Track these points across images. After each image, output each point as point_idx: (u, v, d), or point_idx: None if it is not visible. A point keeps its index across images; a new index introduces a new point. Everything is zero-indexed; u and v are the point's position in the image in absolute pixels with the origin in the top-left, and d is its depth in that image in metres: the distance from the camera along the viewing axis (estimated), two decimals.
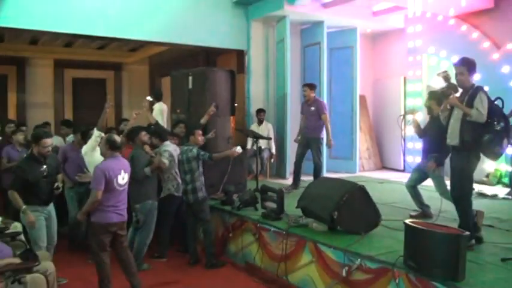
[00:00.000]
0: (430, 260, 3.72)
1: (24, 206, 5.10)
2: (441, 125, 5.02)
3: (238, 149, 6.25)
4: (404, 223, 4.02)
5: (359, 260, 4.39)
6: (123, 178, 5.02)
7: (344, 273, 4.49)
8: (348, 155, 9.90)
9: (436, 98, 5.79)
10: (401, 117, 6.22)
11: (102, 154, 5.20)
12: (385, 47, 10.93)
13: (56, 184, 5.43)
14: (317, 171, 7.83)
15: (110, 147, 5.04)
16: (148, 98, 7.86)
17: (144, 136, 6.21)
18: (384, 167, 10.74)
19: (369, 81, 10.97)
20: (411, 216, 5.74)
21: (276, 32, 9.84)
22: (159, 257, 6.45)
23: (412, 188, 6.03)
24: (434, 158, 5.58)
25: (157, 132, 6.60)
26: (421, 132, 6.00)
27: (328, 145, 7.89)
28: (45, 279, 4.42)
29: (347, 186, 5.17)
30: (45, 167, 5.27)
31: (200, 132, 6.29)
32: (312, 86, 8.03)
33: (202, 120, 7.22)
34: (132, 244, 6.06)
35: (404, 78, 10.15)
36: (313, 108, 7.81)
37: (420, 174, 5.97)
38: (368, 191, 5.17)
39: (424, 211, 5.93)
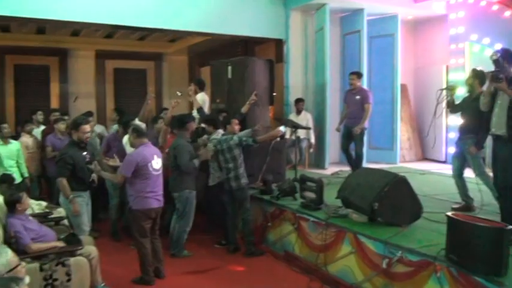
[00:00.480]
0: (472, 254, 3.65)
1: (71, 196, 5.27)
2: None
3: (282, 128, 6.31)
4: (447, 215, 3.95)
5: (400, 252, 4.34)
6: (157, 163, 5.18)
7: (384, 265, 4.45)
8: (389, 145, 9.75)
9: (479, 77, 5.56)
10: (441, 91, 5.92)
11: (131, 145, 5.34)
12: (426, 35, 10.66)
13: (91, 177, 5.63)
14: (358, 162, 7.74)
15: (137, 136, 5.21)
16: (178, 93, 7.92)
17: (193, 125, 6.35)
18: (425, 158, 10.51)
19: (410, 69, 10.74)
20: (453, 209, 5.59)
21: (315, 21, 9.75)
22: (225, 245, 6.51)
23: (459, 177, 5.84)
24: (474, 142, 5.41)
25: (212, 120, 6.68)
26: (455, 109, 5.84)
27: (356, 129, 7.61)
28: (88, 263, 4.58)
29: (388, 177, 5.10)
30: (85, 153, 5.46)
31: (236, 121, 6.36)
32: (359, 75, 7.99)
33: (243, 110, 7.25)
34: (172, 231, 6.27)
35: (447, 67, 9.86)
36: (358, 97, 7.72)
37: (460, 160, 5.80)
38: (409, 182, 5.09)
39: (467, 204, 5.77)
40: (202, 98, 8.66)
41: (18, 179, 6.96)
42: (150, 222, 5.28)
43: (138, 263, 5.29)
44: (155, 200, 5.21)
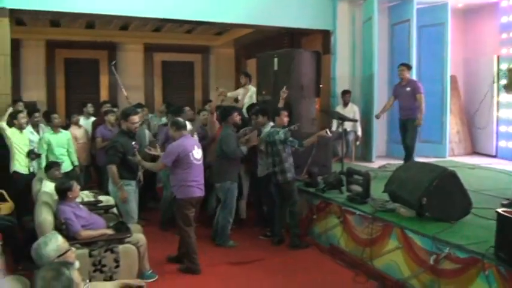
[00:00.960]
0: None
1: (121, 182, 5.47)
2: None
3: (328, 132, 6.27)
4: (497, 212, 3.79)
5: (448, 248, 4.22)
6: (197, 153, 5.33)
7: (432, 262, 4.34)
8: (438, 139, 9.48)
9: None
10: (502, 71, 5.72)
11: (172, 138, 5.46)
12: (477, 23, 10.25)
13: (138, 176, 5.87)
14: (408, 154, 7.60)
15: (177, 129, 5.35)
16: (221, 89, 8.06)
17: (236, 117, 6.43)
18: (474, 152, 10.17)
19: (459, 60, 10.37)
20: (503, 205, 5.36)
21: (362, 11, 9.58)
22: (270, 237, 6.55)
23: None
24: None
25: (264, 110, 6.72)
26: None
27: (417, 124, 7.57)
28: (137, 250, 4.68)
29: (437, 171, 4.94)
30: (134, 142, 5.61)
31: (286, 113, 6.34)
32: (409, 66, 7.88)
33: (279, 105, 7.24)
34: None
35: (497, 57, 9.46)
36: (408, 88, 7.58)
37: None
38: (458, 176, 4.93)
39: None
40: (254, 90, 8.69)
41: (68, 168, 7.21)
42: (193, 211, 5.40)
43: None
44: (198, 189, 5.36)
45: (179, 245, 5.58)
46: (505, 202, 5.52)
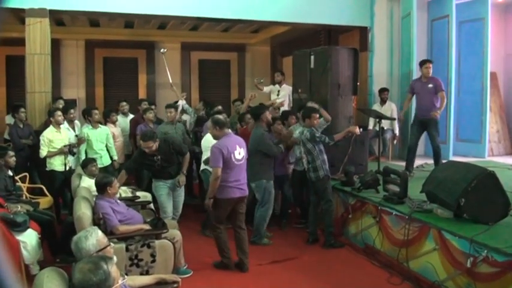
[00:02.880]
0: None
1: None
2: None
3: (357, 129, 6.33)
4: None
5: (485, 251, 4.13)
6: (239, 153, 5.24)
7: (468, 264, 4.25)
8: (477, 138, 9.22)
9: None
10: None
11: (214, 137, 5.37)
12: None
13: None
14: (438, 154, 7.30)
15: (219, 128, 5.21)
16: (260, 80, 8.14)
17: (268, 115, 6.46)
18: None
19: (500, 56, 10.06)
20: None
21: (401, 7, 9.43)
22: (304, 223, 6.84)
23: None
24: None
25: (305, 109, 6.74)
26: None
27: (434, 114, 7.16)
28: (172, 246, 4.74)
29: (475, 172, 4.83)
30: (155, 158, 5.72)
31: (317, 116, 6.27)
32: (432, 62, 7.53)
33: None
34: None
35: None
36: (430, 85, 7.27)
37: None
38: (497, 177, 4.80)
39: None
40: (290, 88, 8.68)
41: (107, 162, 7.40)
42: (229, 210, 5.38)
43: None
44: (238, 190, 5.29)
45: (236, 249, 5.56)
46: None
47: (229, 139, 5.24)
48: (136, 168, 5.75)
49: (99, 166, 6.73)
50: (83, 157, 7.03)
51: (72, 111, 7.77)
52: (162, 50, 9.09)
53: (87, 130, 7.29)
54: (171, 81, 8.68)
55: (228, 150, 5.12)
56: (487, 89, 9.11)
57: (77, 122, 7.99)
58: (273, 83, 9.26)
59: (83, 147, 7.22)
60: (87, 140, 7.22)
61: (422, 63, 7.52)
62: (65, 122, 7.33)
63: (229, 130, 5.40)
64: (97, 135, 7.32)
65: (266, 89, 8.96)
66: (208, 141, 6.01)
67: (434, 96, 7.29)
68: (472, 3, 9.25)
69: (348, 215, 6.45)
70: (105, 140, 7.43)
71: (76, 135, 7.35)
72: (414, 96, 7.75)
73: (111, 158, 7.51)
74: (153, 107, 8.60)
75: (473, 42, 9.28)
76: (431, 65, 7.44)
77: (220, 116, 5.49)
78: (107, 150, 7.47)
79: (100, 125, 7.48)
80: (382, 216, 5.72)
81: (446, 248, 4.60)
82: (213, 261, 5.55)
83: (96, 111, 7.51)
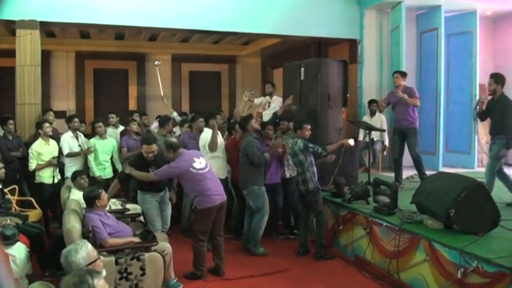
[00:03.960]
0: None
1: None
2: None
3: (351, 141, 6.43)
4: None
5: (476, 262, 4.14)
6: (200, 163, 5.34)
7: (459, 275, 4.25)
8: (466, 149, 9.30)
9: (501, 81, 6.28)
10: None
11: (170, 160, 5.41)
12: (506, 31, 10.06)
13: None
14: (418, 163, 7.33)
15: (173, 151, 5.34)
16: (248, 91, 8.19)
17: (254, 124, 6.52)
18: (504, 163, 9.90)
19: (488, 68, 10.13)
20: (508, 204, 5.88)
21: (390, 19, 9.52)
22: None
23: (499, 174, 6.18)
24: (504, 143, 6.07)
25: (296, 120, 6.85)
26: (483, 116, 6.47)
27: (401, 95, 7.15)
28: (162, 259, 4.70)
29: (465, 183, 4.85)
30: (150, 168, 5.66)
31: (309, 127, 6.32)
32: (404, 74, 7.49)
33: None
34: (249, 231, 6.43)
35: None
36: (405, 95, 7.25)
37: None
38: (487, 188, 4.86)
39: None
40: (280, 100, 8.71)
41: (109, 175, 7.41)
42: (212, 221, 5.39)
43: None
44: (216, 196, 5.35)
45: (213, 256, 5.61)
46: (510, 202, 5.99)
47: (183, 157, 5.36)
48: (129, 178, 5.67)
49: (104, 178, 6.93)
50: (94, 167, 7.19)
51: (76, 119, 7.71)
52: (156, 63, 9.12)
53: (95, 140, 7.35)
54: (162, 93, 8.69)
55: (181, 169, 5.27)
56: (475, 100, 9.17)
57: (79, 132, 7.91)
58: (264, 94, 9.28)
59: (92, 157, 7.26)
60: (94, 150, 7.28)
61: (393, 74, 7.60)
62: (69, 131, 7.40)
63: (182, 150, 5.45)
64: (103, 147, 7.38)
65: (257, 100, 8.98)
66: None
67: (411, 107, 7.27)
68: (460, 16, 9.38)
69: (338, 227, 6.45)
70: (111, 152, 7.48)
71: (79, 145, 7.34)
72: (391, 108, 7.72)
73: (115, 170, 7.50)
74: (136, 116, 8.57)
75: (462, 55, 9.40)
76: (398, 75, 7.38)
77: (173, 139, 5.66)
78: (112, 162, 7.51)
79: (107, 137, 7.53)
80: (372, 227, 5.72)
81: (436, 259, 4.60)
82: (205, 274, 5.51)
83: (101, 124, 7.52)
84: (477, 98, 6.78)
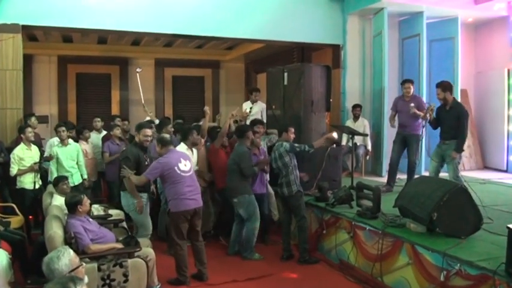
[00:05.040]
0: None
1: (138, 194, 5.60)
2: None
3: (335, 134, 6.53)
4: (508, 228, 3.75)
5: (458, 265, 4.18)
6: (185, 165, 5.35)
7: (442, 278, 4.29)
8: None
9: (449, 88, 6.47)
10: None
11: (159, 155, 5.46)
12: (487, 37, 10.26)
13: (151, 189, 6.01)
14: (412, 170, 7.46)
15: (162, 146, 5.40)
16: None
17: (251, 134, 6.53)
18: (485, 166, 10.08)
19: (470, 74, 10.35)
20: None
21: (372, 25, 9.62)
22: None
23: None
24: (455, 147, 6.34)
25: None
26: (435, 124, 6.69)
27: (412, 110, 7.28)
28: (145, 265, 4.67)
29: (447, 186, 4.92)
30: (146, 156, 5.75)
31: (293, 129, 6.35)
32: (413, 82, 7.71)
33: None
34: (237, 237, 6.47)
35: (508, 71, 9.43)
36: (412, 104, 7.39)
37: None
38: (469, 191, 4.90)
39: None
40: (263, 105, 8.72)
41: (78, 181, 7.22)
42: (187, 224, 5.38)
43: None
44: (191, 201, 5.33)
45: (194, 262, 5.56)
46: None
47: (172, 155, 5.39)
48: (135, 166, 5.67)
49: (70, 185, 6.59)
50: (54, 175, 6.82)
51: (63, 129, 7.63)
52: (137, 69, 9.07)
53: (56, 148, 7.12)
54: (143, 101, 8.65)
55: (168, 165, 5.26)
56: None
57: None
58: (246, 100, 9.30)
59: (53, 166, 7.05)
60: (56, 158, 7.03)
61: (402, 84, 7.74)
62: (56, 137, 7.34)
63: (172, 147, 5.52)
64: (66, 153, 7.13)
65: (245, 106, 8.97)
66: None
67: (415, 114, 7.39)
68: (442, 23, 9.51)
69: (322, 231, 6.46)
70: (75, 158, 7.24)
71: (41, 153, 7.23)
72: (397, 114, 7.79)
73: (81, 176, 7.34)
74: (117, 121, 8.53)
75: (443, 60, 9.52)
76: (411, 85, 7.60)
77: (166, 135, 5.73)
78: (78, 168, 7.30)
79: (70, 142, 7.29)
80: (356, 231, 5.75)
81: (419, 262, 4.64)
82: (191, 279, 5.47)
83: (63, 128, 7.21)
84: (427, 106, 6.87)
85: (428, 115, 6.61)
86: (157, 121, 8.33)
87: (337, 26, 9.67)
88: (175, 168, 5.26)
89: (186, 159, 5.44)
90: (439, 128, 6.64)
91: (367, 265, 5.44)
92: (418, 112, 7.22)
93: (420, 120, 7.38)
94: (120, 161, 5.79)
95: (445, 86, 6.45)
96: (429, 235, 4.86)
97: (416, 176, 7.06)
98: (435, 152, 6.69)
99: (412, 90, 7.61)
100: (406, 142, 7.51)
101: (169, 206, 5.43)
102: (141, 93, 8.81)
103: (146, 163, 5.70)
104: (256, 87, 9.45)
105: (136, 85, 9.79)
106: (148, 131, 5.85)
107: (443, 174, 6.67)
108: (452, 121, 6.35)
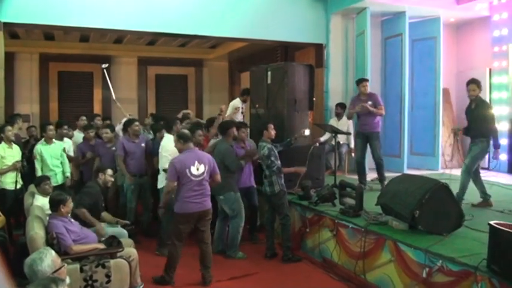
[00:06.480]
0: None
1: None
2: None
3: (306, 132, 6.70)
4: (489, 224, 3.81)
5: (440, 261, 4.23)
6: (197, 169, 5.20)
7: (424, 275, 4.34)
8: (430, 152, 9.52)
9: (480, 86, 6.35)
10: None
11: (178, 151, 5.40)
12: (469, 37, 10.36)
13: None
14: (380, 166, 7.57)
15: (184, 142, 5.30)
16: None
17: (234, 131, 6.53)
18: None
19: (452, 73, 10.45)
20: (473, 205, 6.14)
21: (355, 25, 9.65)
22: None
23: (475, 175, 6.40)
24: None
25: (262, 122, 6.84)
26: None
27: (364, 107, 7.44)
28: (128, 265, 4.65)
29: (429, 184, 4.96)
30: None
31: (272, 126, 6.37)
32: (368, 80, 7.85)
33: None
34: (221, 235, 6.46)
35: (490, 70, 9.54)
36: (370, 102, 7.48)
37: None
38: (451, 189, 4.95)
39: (484, 200, 6.24)
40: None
41: (61, 180, 7.15)
42: (189, 227, 5.32)
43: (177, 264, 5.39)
44: (194, 204, 5.22)
45: (199, 264, 5.50)
46: (475, 203, 6.23)
47: (189, 154, 5.25)
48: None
49: (54, 184, 6.52)
50: (39, 174, 6.77)
51: (65, 126, 7.67)
52: (102, 66, 8.98)
53: (41, 146, 7.05)
54: (114, 97, 8.60)
55: (182, 165, 5.15)
56: (439, 104, 9.43)
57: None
58: (232, 99, 9.30)
59: (38, 164, 6.97)
60: (40, 156, 6.97)
61: (359, 82, 7.80)
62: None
63: (192, 146, 5.39)
64: (51, 152, 7.07)
65: (237, 103, 8.97)
66: None
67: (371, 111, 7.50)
68: (424, 22, 9.59)
69: (305, 229, 6.48)
70: (60, 157, 7.16)
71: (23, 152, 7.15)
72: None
73: (63, 173, 7.23)
74: (107, 121, 8.46)
75: (426, 60, 9.60)
76: (367, 83, 7.72)
77: (185, 131, 5.61)
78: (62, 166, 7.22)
79: (54, 141, 7.22)
80: (339, 229, 5.78)
81: (402, 259, 4.68)
82: (178, 279, 5.41)
83: (51, 127, 7.22)
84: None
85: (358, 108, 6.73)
86: (130, 116, 8.24)
87: (320, 26, 9.69)
88: (187, 170, 5.13)
89: (201, 163, 5.25)
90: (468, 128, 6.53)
91: (350, 263, 5.47)
92: (371, 109, 7.37)
93: (378, 118, 7.52)
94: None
95: (479, 83, 6.34)
96: (411, 232, 4.90)
97: (399, 174, 7.12)
98: (467, 154, 6.57)
99: (367, 89, 7.68)
100: (367, 139, 7.61)
101: (174, 206, 5.33)
102: (112, 90, 8.69)
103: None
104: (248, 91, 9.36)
105: (118, 83, 9.76)
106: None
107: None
108: (479, 118, 6.23)
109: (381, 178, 7.53)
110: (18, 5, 7.67)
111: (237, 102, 8.71)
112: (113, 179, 6.07)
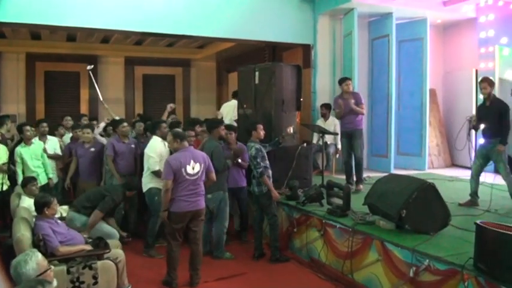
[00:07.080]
0: (501, 263, 3.55)
1: None
2: None
3: (290, 130, 6.79)
4: (475, 223, 3.86)
5: (427, 260, 4.27)
6: (193, 168, 5.19)
7: (411, 274, 4.37)
8: (417, 152, 9.60)
9: (493, 84, 6.31)
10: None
11: (174, 150, 5.41)
12: (455, 38, 10.47)
13: None
14: (358, 165, 7.58)
15: (180, 140, 5.27)
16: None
17: (222, 130, 6.55)
18: (453, 164, 10.29)
19: (439, 74, 10.56)
20: (460, 204, 6.22)
21: (343, 25, 9.69)
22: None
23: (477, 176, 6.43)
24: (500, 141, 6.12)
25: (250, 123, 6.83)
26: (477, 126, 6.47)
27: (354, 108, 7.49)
28: (115, 266, 4.63)
29: (416, 184, 5.01)
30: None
31: (261, 126, 6.35)
32: (351, 79, 7.92)
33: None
34: (206, 236, 6.33)
35: (476, 71, 9.62)
36: (352, 100, 7.50)
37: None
38: (437, 189, 4.99)
39: (472, 199, 6.30)
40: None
41: (44, 181, 7.06)
42: (183, 226, 5.30)
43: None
44: (188, 203, 5.20)
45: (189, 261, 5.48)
46: (461, 202, 6.28)
47: (185, 153, 5.23)
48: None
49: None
50: (21, 177, 6.64)
51: (44, 124, 7.57)
52: (88, 67, 8.94)
53: (20, 149, 6.90)
54: (101, 98, 8.57)
55: (177, 163, 5.13)
56: (426, 104, 9.51)
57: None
58: (218, 98, 9.31)
59: (19, 167, 6.84)
60: (21, 158, 6.84)
61: (341, 81, 7.79)
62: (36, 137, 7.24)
63: (187, 144, 5.37)
64: (31, 153, 6.94)
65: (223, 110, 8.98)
66: None
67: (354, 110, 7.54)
68: (411, 24, 9.67)
69: (293, 229, 6.49)
70: (40, 157, 7.06)
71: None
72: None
73: (46, 175, 7.14)
74: (94, 122, 8.41)
75: (412, 61, 9.68)
76: (350, 82, 7.73)
77: (180, 130, 5.66)
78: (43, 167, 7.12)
79: (34, 141, 7.08)
80: (326, 229, 5.80)
81: (389, 259, 4.71)
82: (161, 279, 5.40)
83: (28, 128, 7.03)
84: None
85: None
86: (117, 118, 8.21)
87: (307, 26, 9.71)
88: (183, 169, 5.11)
89: (197, 162, 5.23)
90: (482, 127, 6.44)
91: (337, 262, 5.49)
92: (355, 107, 7.42)
93: (361, 116, 7.58)
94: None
95: (491, 81, 6.33)
96: (398, 232, 4.94)
97: (386, 174, 7.16)
98: (479, 153, 6.51)
99: (351, 88, 7.72)
100: (351, 138, 7.64)
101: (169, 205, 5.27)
102: (98, 91, 8.66)
103: None
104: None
105: (105, 83, 9.70)
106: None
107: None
108: (494, 117, 6.18)
109: (357, 180, 7.54)
110: (3, 4, 7.58)
111: (235, 102, 8.77)
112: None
